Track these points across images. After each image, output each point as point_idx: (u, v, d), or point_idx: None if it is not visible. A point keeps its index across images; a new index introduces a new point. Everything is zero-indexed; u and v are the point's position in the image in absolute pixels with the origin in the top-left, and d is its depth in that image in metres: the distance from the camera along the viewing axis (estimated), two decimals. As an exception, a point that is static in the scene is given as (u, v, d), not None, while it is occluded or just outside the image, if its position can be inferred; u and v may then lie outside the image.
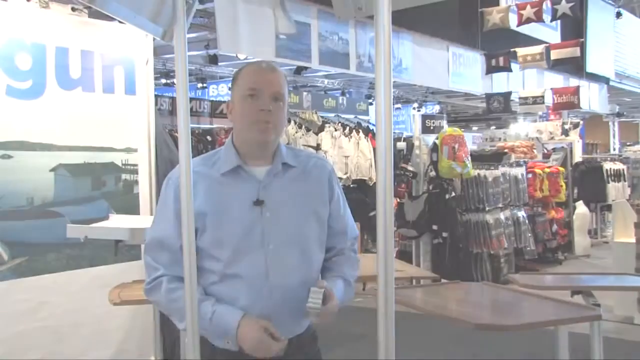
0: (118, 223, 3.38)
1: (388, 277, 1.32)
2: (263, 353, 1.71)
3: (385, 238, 1.35)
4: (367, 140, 8.01)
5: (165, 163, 4.79)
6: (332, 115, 8.60)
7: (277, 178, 1.85)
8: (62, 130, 4.14)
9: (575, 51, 9.70)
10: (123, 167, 4.54)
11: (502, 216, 7.84)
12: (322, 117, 7.91)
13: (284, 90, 1.84)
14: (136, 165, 4.62)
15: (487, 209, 7.67)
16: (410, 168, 7.72)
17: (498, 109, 10.92)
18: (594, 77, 13.02)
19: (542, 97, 10.95)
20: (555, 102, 11.17)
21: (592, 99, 13.24)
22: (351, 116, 9.09)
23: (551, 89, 11.33)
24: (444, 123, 8.10)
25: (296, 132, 7.41)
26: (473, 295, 2.80)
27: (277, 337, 1.72)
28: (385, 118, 1.33)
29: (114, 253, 3.34)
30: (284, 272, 1.80)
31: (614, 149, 17.28)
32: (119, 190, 4.51)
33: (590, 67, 12.29)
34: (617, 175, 11.31)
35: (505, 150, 9.60)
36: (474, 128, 20.95)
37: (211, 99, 9.61)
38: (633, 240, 6.10)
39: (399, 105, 14.39)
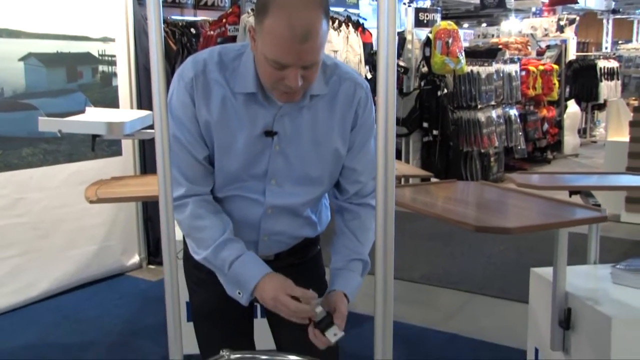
0: (95, 117, 3.16)
1: (388, 175, 1.12)
2: (286, 314, 1.49)
3: (386, 135, 1.12)
4: (357, 35, 7.65)
5: (144, 54, 4.52)
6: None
7: (298, 108, 1.53)
8: (32, 17, 3.82)
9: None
10: (100, 57, 4.27)
11: (494, 114, 7.70)
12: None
13: (320, 54, 1.39)
14: (114, 56, 4.35)
15: (479, 106, 7.50)
16: (401, 63, 7.45)
17: (492, 4, 10.52)
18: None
19: (538, -9, 10.53)
20: (552, -3, 10.75)
21: (588, -6, 12.78)
22: (340, 9, 8.66)
23: (548, -17, 10.89)
24: (438, 17, 7.76)
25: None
26: (471, 195, 2.65)
27: (305, 298, 1.48)
28: (389, 15, 1.06)
29: (92, 148, 3.13)
30: (284, 199, 1.59)
31: (606, 48, 16.91)
32: (97, 83, 4.26)
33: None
34: (611, 74, 11.06)
35: (500, 46, 9.30)
36: (465, 25, 20.38)
37: (195, -12, 9.11)
38: (626, 139, 5.98)
39: None
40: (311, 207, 1.66)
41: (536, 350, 2.69)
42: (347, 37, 7.61)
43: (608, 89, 10.87)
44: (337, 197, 1.69)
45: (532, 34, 11.11)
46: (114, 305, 4.03)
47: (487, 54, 8.47)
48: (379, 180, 1.07)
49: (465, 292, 4.26)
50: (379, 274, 1.11)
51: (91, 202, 2.71)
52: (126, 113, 3.73)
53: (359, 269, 1.63)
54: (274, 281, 1.51)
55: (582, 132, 11.02)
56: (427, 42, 7.15)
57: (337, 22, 7.60)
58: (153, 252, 4.74)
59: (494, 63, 7.87)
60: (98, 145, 4.26)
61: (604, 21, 17.08)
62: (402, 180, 4.72)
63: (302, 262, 1.73)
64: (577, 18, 11.98)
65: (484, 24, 17.20)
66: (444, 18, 8.38)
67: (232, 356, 1.33)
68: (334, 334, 1.48)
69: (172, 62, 5.09)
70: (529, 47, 10.38)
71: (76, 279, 4.23)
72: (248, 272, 1.53)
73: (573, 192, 2.95)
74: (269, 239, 1.64)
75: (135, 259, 4.67)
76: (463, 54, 7.19)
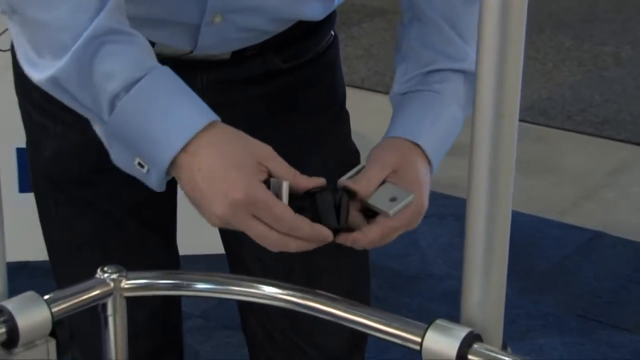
0: None
1: None
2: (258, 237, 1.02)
3: None
4: None
5: None
6: None
7: None
8: None
9: None
10: None
11: None
12: None
13: None
14: None
15: None
16: None
17: None
18: None
19: None
20: None
21: None
22: None
23: None
24: None
25: None
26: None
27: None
28: None
29: None
30: None
31: None
32: None
33: None
34: None
35: None
36: None
37: None
38: None
39: None
40: None
41: None
42: None
43: None
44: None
45: None
46: None
47: None
48: None
49: (620, 143, 3.54)
50: (484, 108, 0.85)
51: None
52: None
53: (457, 89, 1.20)
54: (226, 152, 1.01)
55: None
56: None
57: None
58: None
59: None
60: None
61: None
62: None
63: (294, 66, 1.29)
64: None
65: None
66: None
67: (125, 284, 1.01)
68: (389, 201, 1.09)
69: None
70: None
71: None
72: (160, 119, 1.01)
73: None
74: (225, 20, 1.20)
75: None
76: None
